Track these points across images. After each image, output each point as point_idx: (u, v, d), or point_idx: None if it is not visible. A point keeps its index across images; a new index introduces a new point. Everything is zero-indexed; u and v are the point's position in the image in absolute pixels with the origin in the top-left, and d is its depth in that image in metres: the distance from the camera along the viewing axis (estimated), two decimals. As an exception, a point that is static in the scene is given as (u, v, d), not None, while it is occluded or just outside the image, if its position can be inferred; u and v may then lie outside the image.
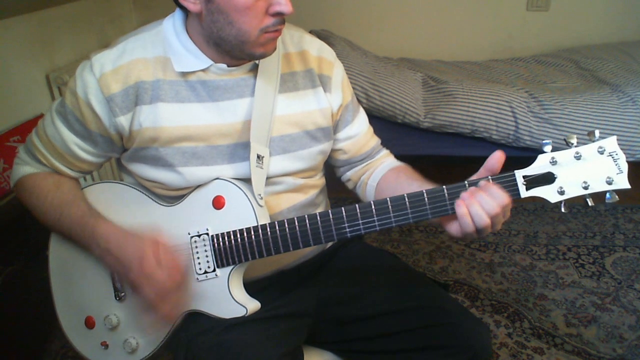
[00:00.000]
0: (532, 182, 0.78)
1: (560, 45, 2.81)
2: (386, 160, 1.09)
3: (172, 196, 0.95)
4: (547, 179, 0.77)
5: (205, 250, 0.90)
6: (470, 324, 0.96)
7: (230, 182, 0.90)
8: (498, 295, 1.85)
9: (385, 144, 1.14)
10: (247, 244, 0.88)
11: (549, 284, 1.91)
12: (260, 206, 0.90)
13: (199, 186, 0.92)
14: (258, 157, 0.91)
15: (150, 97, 0.88)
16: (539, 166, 0.78)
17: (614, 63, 2.48)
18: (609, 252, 2.08)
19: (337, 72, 1.02)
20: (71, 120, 0.92)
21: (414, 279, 1.05)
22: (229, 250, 0.89)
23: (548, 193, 0.78)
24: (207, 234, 0.90)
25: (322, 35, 2.38)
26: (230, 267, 0.89)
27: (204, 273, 0.90)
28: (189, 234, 0.91)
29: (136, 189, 0.97)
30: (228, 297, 0.89)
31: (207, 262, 0.90)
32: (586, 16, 2.75)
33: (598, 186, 0.76)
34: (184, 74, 0.89)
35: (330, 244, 1.10)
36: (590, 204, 0.78)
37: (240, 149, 0.92)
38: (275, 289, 1.01)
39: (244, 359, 0.86)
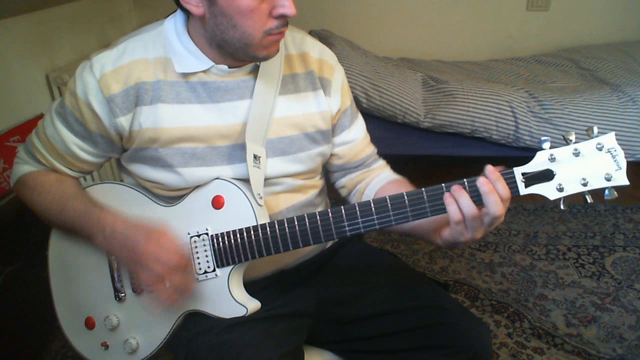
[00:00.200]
0: (531, 179, 0.78)
1: (560, 45, 2.81)
2: (384, 172, 1.09)
3: (172, 196, 0.95)
4: (546, 176, 0.77)
5: (205, 250, 0.90)
6: (470, 324, 0.96)
7: (230, 181, 0.90)
8: (498, 295, 1.85)
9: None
10: (246, 244, 0.88)
11: (549, 284, 1.91)
12: (260, 206, 0.90)
13: (198, 186, 0.92)
14: (255, 157, 0.91)
15: (150, 98, 0.88)
16: (538, 163, 0.78)
17: (614, 63, 2.48)
18: (609, 252, 2.08)
19: (338, 77, 1.02)
20: (71, 120, 0.92)
21: (414, 279, 1.05)
22: (229, 250, 0.89)
23: (547, 190, 0.78)
24: (207, 233, 0.90)
25: (322, 36, 2.38)
26: (230, 267, 0.89)
27: (203, 273, 0.90)
28: (189, 234, 0.91)
29: (136, 189, 0.97)
30: (228, 296, 0.89)
31: (207, 262, 0.90)
32: (586, 16, 2.75)
33: (597, 183, 0.76)
34: (185, 75, 0.89)
35: (330, 243, 1.10)
36: (589, 200, 0.78)
37: (239, 150, 0.92)
38: (275, 289, 1.01)
39: (244, 359, 0.86)
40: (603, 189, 0.76)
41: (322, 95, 0.99)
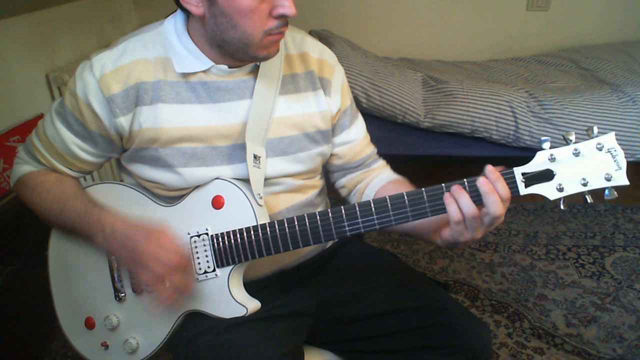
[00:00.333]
0: (531, 179, 0.78)
1: (560, 45, 2.81)
2: (384, 172, 1.09)
3: (172, 196, 0.95)
4: (546, 176, 0.77)
5: (205, 250, 0.90)
6: (470, 324, 0.96)
7: (230, 181, 0.90)
8: (498, 295, 1.85)
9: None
10: (246, 244, 0.88)
11: (549, 284, 1.91)
12: (260, 206, 0.90)
13: (198, 186, 0.92)
14: (255, 157, 0.91)
15: (150, 98, 0.88)
16: (538, 163, 0.78)
17: (614, 63, 2.48)
18: (609, 252, 2.08)
19: (338, 77, 1.02)
20: (71, 120, 0.92)
21: (414, 279, 1.05)
22: (229, 250, 0.89)
23: (547, 190, 0.78)
24: (207, 233, 0.90)
25: (322, 35, 2.38)
26: (230, 267, 0.89)
27: (203, 273, 0.90)
28: (189, 234, 0.91)
29: (136, 189, 0.97)
30: (228, 296, 0.89)
31: (207, 262, 0.90)
32: (586, 16, 2.75)
33: (597, 183, 0.76)
34: (185, 75, 0.89)
35: (330, 243, 1.10)
36: (589, 200, 0.78)
37: (239, 150, 0.92)
38: (275, 289, 1.01)
39: (244, 359, 0.86)
40: (603, 189, 0.76)
41: (322, 95, 0.99)
